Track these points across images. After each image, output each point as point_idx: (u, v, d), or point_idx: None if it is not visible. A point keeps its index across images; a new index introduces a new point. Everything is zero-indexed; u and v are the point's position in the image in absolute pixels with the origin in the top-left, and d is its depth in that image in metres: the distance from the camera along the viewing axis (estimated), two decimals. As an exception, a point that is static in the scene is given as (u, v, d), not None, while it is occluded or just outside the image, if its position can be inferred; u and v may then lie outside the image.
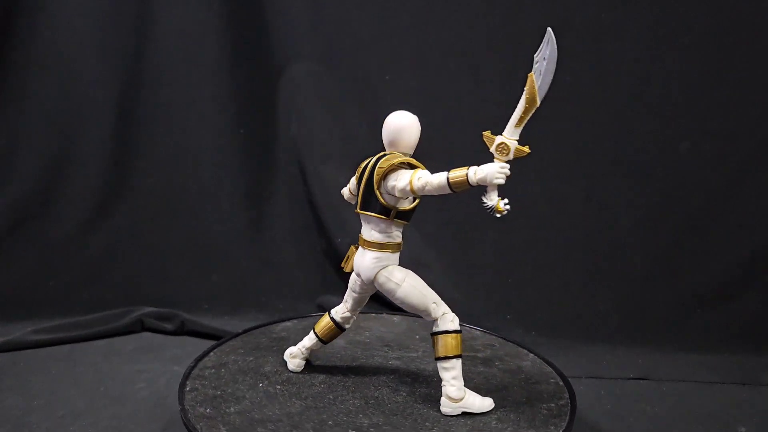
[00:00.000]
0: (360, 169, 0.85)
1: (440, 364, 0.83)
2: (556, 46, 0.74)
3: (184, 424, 0.81)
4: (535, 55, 0.75)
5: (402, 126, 0.84)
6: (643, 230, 1.41)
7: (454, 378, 0.82)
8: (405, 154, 0.84)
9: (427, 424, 0.81)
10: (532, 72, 0.76)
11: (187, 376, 0.93)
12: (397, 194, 0.80)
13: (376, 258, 0.84)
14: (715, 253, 1.39)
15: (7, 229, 1.45)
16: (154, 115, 1.49)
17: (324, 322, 0.93)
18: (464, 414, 0.83)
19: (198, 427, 0.79)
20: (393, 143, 0.84)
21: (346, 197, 0.95)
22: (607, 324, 1.38)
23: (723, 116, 1.36)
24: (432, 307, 0.83)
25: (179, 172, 1.51)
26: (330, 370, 0.97)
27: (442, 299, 0.85)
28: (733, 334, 1.35)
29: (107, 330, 1.37)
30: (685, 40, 1.34)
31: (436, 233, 1.47)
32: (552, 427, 0.81)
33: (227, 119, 1.50)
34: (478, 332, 1.15)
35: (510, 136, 0.80)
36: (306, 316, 1.21)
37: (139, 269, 1.50)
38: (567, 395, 0.90)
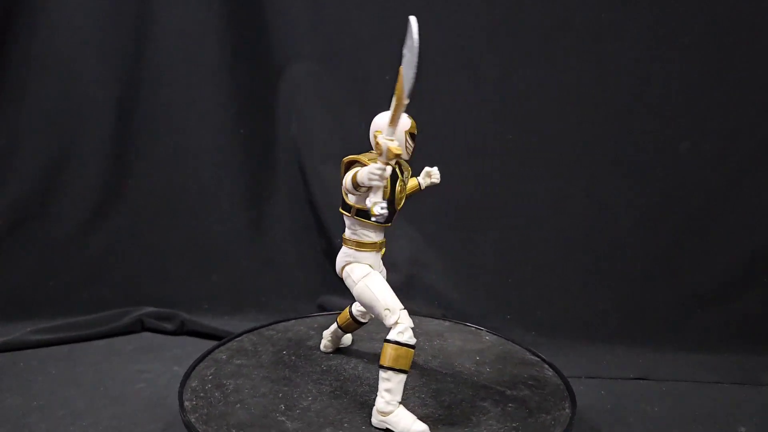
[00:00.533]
0: None
1: (380, 373, 0.79)
2: (417, 37, 0.68)
3: (184, 424, 0.81)
4: (403, 48, 0.69)
5: (376, 125, 0.84)
6: (643, 230, 1.41)
7: (387, 390, 0.78)
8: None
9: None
10: (401, 66, 0.70)
11: (187, 376, 0.93)
12: (346, 190, 0.79)
13: (344, 253, 0.85)
14: (715, 253, 1.39)
15: (7, 229, 1.45)
16: (154, 115, 1.49)
17: (345, 313, 0.99)
18: (456, 414, 0.82)
19: (198, 427, 0.79)
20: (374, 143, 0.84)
21: None
22: (607, 324, 1.38)
23: (723, 116, 1.36)
24: (384, 314, 0.79)
25: (179, 172, 1.51)
26: (336, 367, 0.97)
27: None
28: (733, 334, 1.35)
29: (107, 330, 1.37)
30: (685, 40, 1.34)
31: (436, 233, 1.47)
32: (552, 427, 0.81)
33: (227, 119, 1.50)
34: (478, 332, 1.15)
35: (386, 135, 0.75)
36: (306, 316, 1.21)
37: (139, 269, 1.50)
38: (567, 395, 0.90)
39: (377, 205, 0.71)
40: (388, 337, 0.78)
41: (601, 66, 1.38)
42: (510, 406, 0.86)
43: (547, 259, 1.44)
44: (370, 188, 0.73)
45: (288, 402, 0.86)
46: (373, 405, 0.80)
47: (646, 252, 1.41)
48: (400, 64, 0.64)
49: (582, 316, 1.40)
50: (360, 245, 0.83)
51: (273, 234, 1.54)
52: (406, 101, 0.71)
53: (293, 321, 1.18)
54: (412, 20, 0.67)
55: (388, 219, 0.83)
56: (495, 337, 1.12)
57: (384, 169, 0.71)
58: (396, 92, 0.71)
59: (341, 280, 0.86)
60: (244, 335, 1.10)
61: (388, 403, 0.78)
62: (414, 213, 1.34)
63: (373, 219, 0.74)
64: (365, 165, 0.77)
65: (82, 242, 1.49)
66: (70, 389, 1.13)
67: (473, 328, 1.16)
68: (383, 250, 0.86)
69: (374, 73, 1.45)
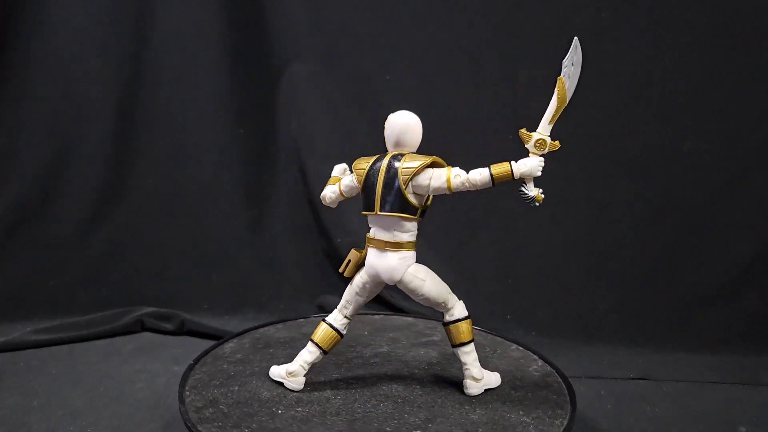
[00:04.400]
0: (364, 171, 0.85)
1: (460, 350, 0.87)
2: (581, 52, 0.84)
3: (185, 424, 0.81)
4: (563, 60, 0.84)
5: (408, 125, 0.85)
6: (643, 230, 1.41)
7: (475, 360, 0.87)
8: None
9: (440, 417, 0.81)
10: (562, 75, 0.84)
11: (187, 376, 0.93)
12: (431, 193, 0.84)
13: (402, 258, 0.84)
14: (715, 253, 1.39)
15: (7, 229, 1.45)
16: (154, 115, 1.49)
17: (326, 333, 0.88)
18: (456, 417, 0.82)
19: (198, 427, 0.79)
20: (399, 143, 0.85)
21: (328, 201, 0.93)
22: (607, 324, 1.38)
23: (723, 116, 1.36)
24: (450, 298, 0.86)
25: (179, 172, 1.51)
26: (341, 369, 0.97)
27: None
28: (733, 334, 1.35)
29: (107, 330, 1.37)
30: (685, 40, 1.34)
31: (437, 233, 1.47)
32: (552, 427, 0.81)
33: (227, 119, 1.50)
34: (478, 332, 1.14)
35: (545, 132, 0.87)
36: (306, 317, 1.21)
37: (139, 269, 1.50)
38: (567, 395, 0.90)
39: (539, 191, 0.84)
40: (455, 317, 0.86)
41: (601, 66, 1.38)
42: (510, 406, 0.86)
43: (547, 259, 1.44)
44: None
45: (288, 402, 0.86)
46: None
47: (646, 252, 1.41)
48: (560, 73, 0.83)
49: (582, 316, 1.40)
50: (413, 246, 0.86)
51: (273, 234, 1.54)
52: (566, 104, 0.86)
53: (293, 321, 1.18)
54: (576, 40, 0.84)
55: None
56: (495, 337, 1.12)
57: (543, 161, 0.85)
58: (558, 96, 0.85)
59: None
60: (244, 335, 1.10)
61: (480, 369, 0.88)
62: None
63: (536, 204, 0.85)
64: (443, 165, 0.85)
65: (82, 242, 1.49)
66: (70, 389, 1.13)
67: (473, 329, 1.16)
68: None
69: (374, 73, 1.45)
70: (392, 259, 0.84)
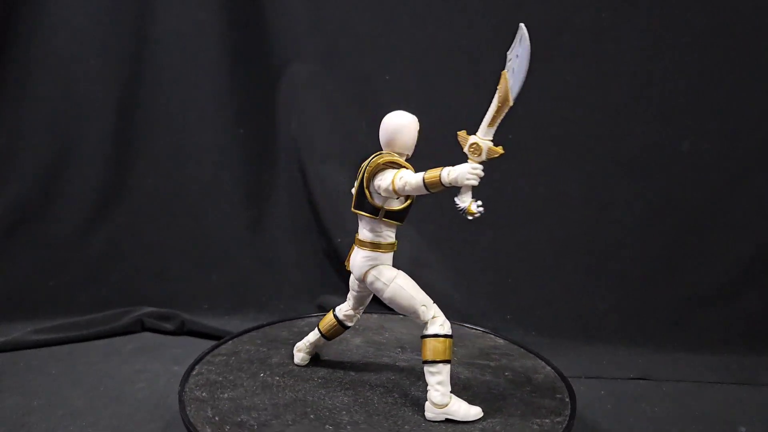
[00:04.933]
0: (360, 169, 0.86)
1: (426, 368, 0.81)
2: (529, 43, 0.72)
3: (185, 424, 0.81)
4: (508, 53, 0.73)
5: (397, 126, 0.84)
6: (643, 230, 1.41)
7: (439, 383, 0.80)
8: (401, 155, 0.84)
9: (406, 427, 0.80)
10: (505, 70, 0.74)
11: (187, 376, 0.93)
12: (382, 193, 0.81)
13: (366, 257, 0.84)
14: (715, 253, 1.39)
15: (7, 229, 1.45)
16: (154, 115, 1.49)
17: (328, 319, 0.94)
18: (449, 420, 0.82)
19: (198, 426, 0.79)
20: (389, 143, 0.84)
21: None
22: (607, 324, 1.38)
23: (723, 116, 1.36)
24: (421, 310, 0.82)
25: (179, 172, 1.51)
26: (334, 365, 0.97)
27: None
28: (733, 334, 1.35)
29: (107, 330, 1.37)
30: (685, 40, 1.34)
31: (437, 233, 1.47)
32: (552, 427, 0.81)
33: (227, 119, 1.50)
34: (478, 332, 1.15)
35: (483, 136, 0.78)
36: (306, 317, 1.21)
37: (139, 269, 1.50)
38: (567, 395, 0.90)
39: (473, 203, 0.74)
40: (429, 332, 0.81)
41: (601, 66, 1.38)
42: (510, 406, 0.86)
43: (547, 259, 1.44)
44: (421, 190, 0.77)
45: (287, 400, 0.86)
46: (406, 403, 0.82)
47: (646, 252, 1.41)
48: (503, 68, 0.70)
49: (582, 316, 1.40)
50: (380, 247, 0.84)
51: (273, 234, 1.54)
52: (511, 104, 0.75)
53: (293, 321, 1.18)
54: (523, 27, 0.72)
55: (403, 219, 0.85)
56: (495, 336, 1.12)
57: (481, 169, 0.75)
58: (499, 94, 0.74)
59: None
60: (244, 335, 1.10)
61: (443, 395, 0.80)
62: (414, 213, 1.34)
63: (469, 218, 0.75)
64: (403, 166, 0.80)
65: (82, 242, 1.49)
66: (70, 389, 1.13)
67: (473, 329, 1.16)
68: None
69: (374, 73, 1.45)
70: (357, 256, 0.85)
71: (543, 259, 1.44)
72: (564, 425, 0.81)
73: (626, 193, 1.41)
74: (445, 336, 0.81)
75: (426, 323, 0.82)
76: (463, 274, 1.45)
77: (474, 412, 0.81)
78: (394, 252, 0.87)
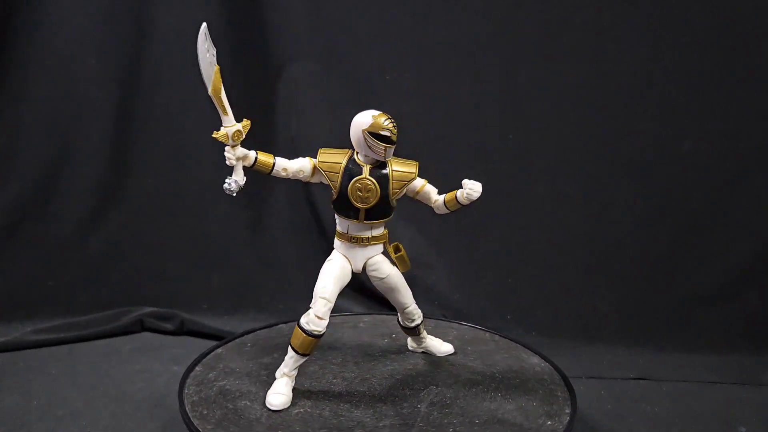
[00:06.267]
0: None
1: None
2: (198, 41, 0.82)
3: (185, 424, 0.81)
4: (211, 52, 0.83)
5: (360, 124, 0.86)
6: (643, 230, 1.41)
7: (284, 361, 0.86)
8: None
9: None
10: (216, 66, 0.83)
11: (186, 376, 0.93)
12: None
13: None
14: (715, 253, 1.39)
15: (7, 229, 1.45)
16: (153, 115, 1.48)
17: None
18: (457, 414, 0.83)
19: (198, 426, 0.79)
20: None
21: None
22: (607, 324, 1.38)
23: (723, 116, 1.36)
24: (314, 296, 0.86)
25: (179, 172, 1.51)
26: (335, 366, 0.97)
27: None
28: (733, 334, 1.35)
29: (107, 330, 1.37)
30: (685, 40, 1.34)
31: (437, 233, 1.47)
32: (552, 427, 0.81)
33: (227, 119, 1.49)
34: (479, 332, 1.15)
35: (225, 124, 0.86)
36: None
37: (139, 269, 1.50)
38: (567, 395, 0.90)
39: (227, 181, 0.86)
40: (300, 320, 0.86)
41: (601, 66, 1.38)
42: (510, 406, 0.86)
43: (547, 259, 1.44)
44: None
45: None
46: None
47: (646, 252, 1.41)
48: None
49: (582, 316, 1.40)
50: (336, 233, 0.90)
51: (273, 234, 1.54)
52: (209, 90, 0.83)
53: (293, 322, 1.17)
54: (204, 27, 0.82)
55: (347, 213, 0.87)
56: (495, 336, 1.12)
57: (227, 152, 0.86)
58: (214, 88, 0.83)
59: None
60: (244, 335, 1.10)
61: (280, 370, 0.87)
62: (414, 213, 1.34)
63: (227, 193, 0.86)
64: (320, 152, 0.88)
65: (82, 242, 1.48)
66: (70, 389, 1.13)
67: (473, 328, 1.16)
68: (368, 246, 0.89)
69: (374, 73, 1.45)
70: None
71: (543, 259, 1.44)
72: (564, 425, 0.81)
73: (626, 193, 1.41)
74: (303, 330, 0.84)
75: (308, 310, 0.85)
76: (463, 274, 1.45)
77: (272, 400, 0.84)
78: (347, 242, 0.90)
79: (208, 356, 1.00)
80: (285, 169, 0.88)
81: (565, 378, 0.96)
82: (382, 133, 0.84)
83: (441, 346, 1.03)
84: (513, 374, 0.96)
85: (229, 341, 1.07)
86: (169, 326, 1.40)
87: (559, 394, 0.90)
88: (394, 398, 0.88)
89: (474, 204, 0.86)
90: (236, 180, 0.87)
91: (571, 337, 1.36)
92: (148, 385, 1.16)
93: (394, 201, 0.87)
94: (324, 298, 0.85)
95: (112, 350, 1.31)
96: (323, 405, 0.85)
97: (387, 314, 1.22)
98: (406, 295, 0.94)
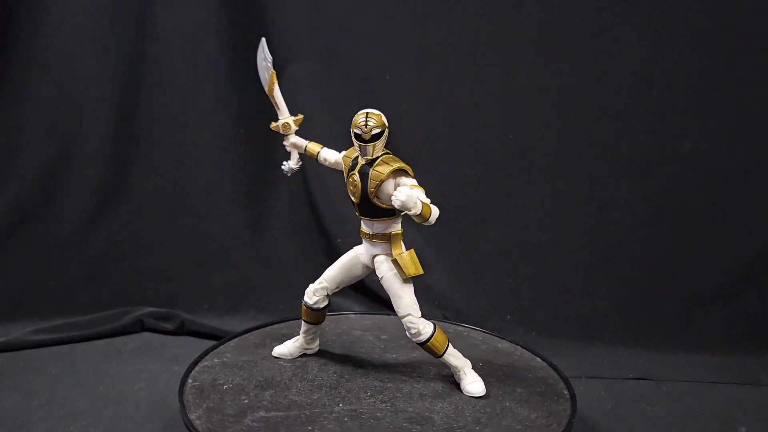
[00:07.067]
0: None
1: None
2: (258, 51, 0.97)
3: (185, 424, 0.81)
4: (267, 58, 0.96)
5: None
6: (643, 230, 1.41)
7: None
8: None
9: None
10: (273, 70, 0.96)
11: (187, 376, 0.93)
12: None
13: None
14: (715, 253, 1.39)
15: (7, 229, 1.45)
16: (154, 115, 1.48)
17: (439, 334, 0.90)
18: (459, 416, 0.83)
19: (198, 426, 0.79)
20: None
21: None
22: (607, 324, 1.38)
23: (723, 116, 1.36)
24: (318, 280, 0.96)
25: (179, 172, 1.51)
26: (336, 367, 0.97)
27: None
28: (733, 334, 1.35)
29: (107, 330, 1.37)
30: (685, 40, 1.34)
31: (437, 233, 1.46)
32: (552, 427, 0.81)
33: (227, 119, 1.50)
34: (479, 332, 1.15)
35: (281, 117, 0.99)
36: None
37: (139, 269, 1.50)
38: (567, 395, 0.90)
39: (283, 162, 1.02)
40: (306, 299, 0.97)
41: (601, 66, 1.38)
42: (510, 406, 0.86)
43: (547, 259, 1.44)
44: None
45: (287, 401, 0.86)
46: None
47: (646, 252, 1.41)
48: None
49: (582, 316, 1.40)
50: None
51: (273, 234, 1.54)
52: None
53: (293, 321, 1.18)
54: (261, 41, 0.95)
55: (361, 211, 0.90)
56: (495, 337, 1.12)
57: (284, 140, 1.01)
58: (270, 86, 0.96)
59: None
60: (244, 335, 1.10)
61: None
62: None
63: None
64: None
65: (82, 242, 1.49)
66: (70, 389, 1.13)
67: (473, 329, 1.16)
68: (375, 242, 0.89)
69: (374, 73, 1.45)
70: None
71: (543, 259, 1.44)
72: (564, 425, 0.81)
73: (626, 193, 1.41)
74: (304, 303, 0.96)
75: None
76: (463, 274, 1.45)
77: (279, 350, 1.00)
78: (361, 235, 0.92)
79: (208, 356, 1.00)
80: (326, 159, 0.98)
81: (564, 378, 0.96)
82: (355, 131, 0.86)
83: (469, 386, 0.89)
84: (512, 374, 0.96)
85: (229, 340, 1.07)
86: (169, 326, 1.40)
87: (559, 394, 0.90)
88: (394, 398, 0.88)
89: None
90: (290, 163, 1.01)
91: (571, 337, 1.36)
92: (148, 385, 1.16)
93: (376, 200, 0.86)
94: (322, 277, 0.95)
95: (112, 350, 1.31)
96: (323, 405, 0.85)
97: (386, 314, 1.22)
98: (398, 303, 0.87)
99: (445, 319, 1.27)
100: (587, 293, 1.42)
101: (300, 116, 0.97)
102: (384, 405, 0.86)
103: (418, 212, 0.79)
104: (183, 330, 1.40)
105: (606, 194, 1.42)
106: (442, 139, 1.42)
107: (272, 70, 0.94)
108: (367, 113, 0.86)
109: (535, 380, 0.95)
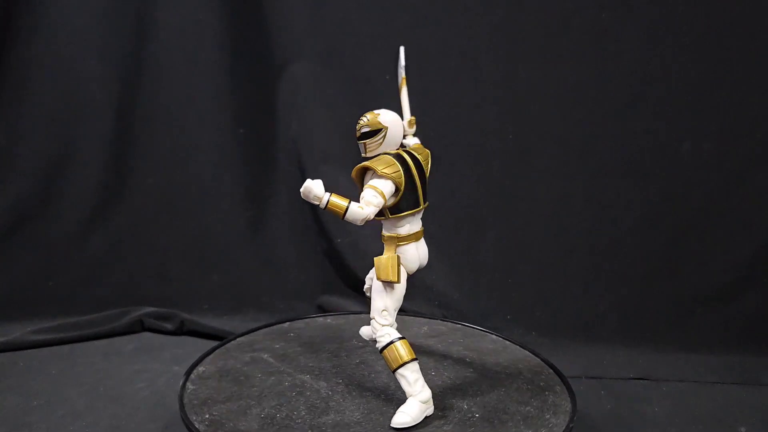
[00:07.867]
0: (401, 172, 0.82)
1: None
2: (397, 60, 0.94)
3: (185, 424, 0.81)
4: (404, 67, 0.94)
5: (394, 122, 0.87)
6: (643, 230, 1.41)
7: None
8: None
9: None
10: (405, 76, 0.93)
11: (187, 376, 0.93)
12: None
13: None
14: (715, 253, 1.39)
15: (7, 229, 1.45)
16: (154, 115, 1.49)
17: (402, 346, 0.82)
18: (467, 416, 0.82)
19: (198, 427, 0.79)
20: (402, 140, 0.90)
21: (371, 217, 0.82)
22: (607, 324, 1.38)
23: (723, 116, 1.36)
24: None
25: (179, 172, 1.51)
26: (338, 366, 0.97)
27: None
28: (733, 334, 1.35)
29: (107, 330, 1.37)
30: (685, 40, 1.34)
31: (437, 233, 1.46)
32: (552, 427, 0.81)
33: (227, 119, 1.50)
34: (479, 332, 1.15)
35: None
36: (306, 317, 1.21)
37: (139, 269, 1.50)
38: (567, 395, 0.90)
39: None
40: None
41: (601, 66, 1.38)
42: (510, 406, 0.86)
43: (547, 259, 1.44)
44: None
45: (287, 401, 0.86)
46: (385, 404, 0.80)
47: (646, 252, 1.41)
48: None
49: (582, 316, 1.40)
50: None
51: (273, 234, 1.54)
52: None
53: (293, 321, 1.18)
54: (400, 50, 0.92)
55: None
56: (495, 337, 1.12)
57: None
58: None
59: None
60: (244, 335, 1.10)
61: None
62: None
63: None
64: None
65: (82, 242, 1.49)
66: (70, 389, 1.14)
67: (473, 329, 1.16)
68: (383, 242, 0.87)
69: (374, 73, 1.45)
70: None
71: (543, 259, 1.44)
72: (564, 425, 0.81)
73: (626, 193, 1.41)
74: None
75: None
76: (463, 274, 1.45)
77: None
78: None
79: (209, 356, 1.01)
80: None
81: (564, 378, 0.96)
82: (356, 134, 0.87)
83: (398, 413, 0.82)
84: (512, 374, 0.96)
85: (230, 341, 1.07)
86: (169, 326, 1.40)
87: (559, 394, 0.90)
88: (397, 397, 0.88)
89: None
90: None
91: (571, 337, 1.36)
92: (148, 385, 1.16)
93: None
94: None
95: (112, 350, 1.31)
96: (323, 405, 0.85)
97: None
98: (372, 305, 0.84)
99: (445, 318, 1.27)
100: (587, 293, 1.42)
101: (412, 118, 0.93)
102: (387, 404, 0.86)
103: (322, 206, 0.79)
104: (183, 330, 1.40)
105: (606, 194, 1.42)
106: (442, 139, 1.42)
107: (404, 75, 0.93)
108: (367, 113, 0.85)
109: (535, 380, 0.95)
